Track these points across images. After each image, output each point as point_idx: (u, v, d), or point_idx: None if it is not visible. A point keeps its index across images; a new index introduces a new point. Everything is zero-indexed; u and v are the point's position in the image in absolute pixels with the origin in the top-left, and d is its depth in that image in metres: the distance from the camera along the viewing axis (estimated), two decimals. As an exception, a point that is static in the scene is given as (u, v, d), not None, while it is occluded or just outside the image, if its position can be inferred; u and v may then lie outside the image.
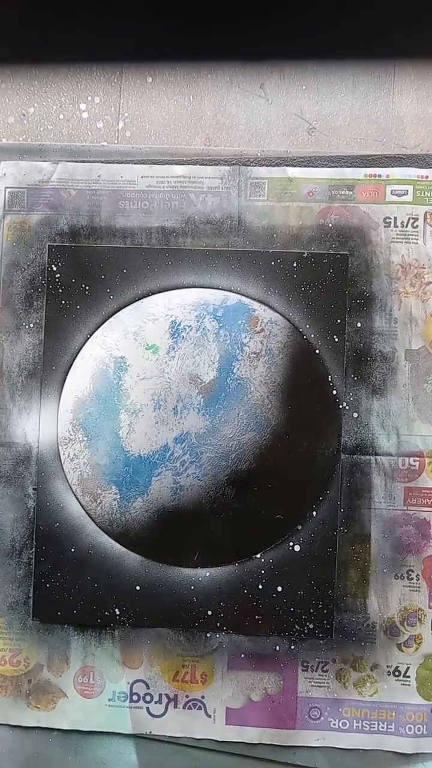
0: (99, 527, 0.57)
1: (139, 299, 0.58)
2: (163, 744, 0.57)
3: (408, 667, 0.56)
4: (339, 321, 0.57)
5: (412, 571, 0.56)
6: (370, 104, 0.59)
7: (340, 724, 0.56)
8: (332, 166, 0.57)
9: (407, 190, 0.57)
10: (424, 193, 0.57)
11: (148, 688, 0.57)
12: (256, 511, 0.56)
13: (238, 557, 0.56)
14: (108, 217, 0.58)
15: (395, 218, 0.57)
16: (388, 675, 0.56)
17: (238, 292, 0.57)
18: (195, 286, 0.57)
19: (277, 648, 0.56)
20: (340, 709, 0.56)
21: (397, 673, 0.56)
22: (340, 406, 0.57)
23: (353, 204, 0.57)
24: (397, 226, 0.57)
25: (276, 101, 0.59)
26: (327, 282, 0.57)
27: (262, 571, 0.56)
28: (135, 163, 0.58)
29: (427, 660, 0.56)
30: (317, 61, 0.59)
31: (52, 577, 0.57)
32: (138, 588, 0.56)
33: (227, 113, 0.59)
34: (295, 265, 0.57)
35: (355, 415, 0.57)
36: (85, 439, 0.57)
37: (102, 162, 0.58)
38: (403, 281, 0.57)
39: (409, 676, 0.56)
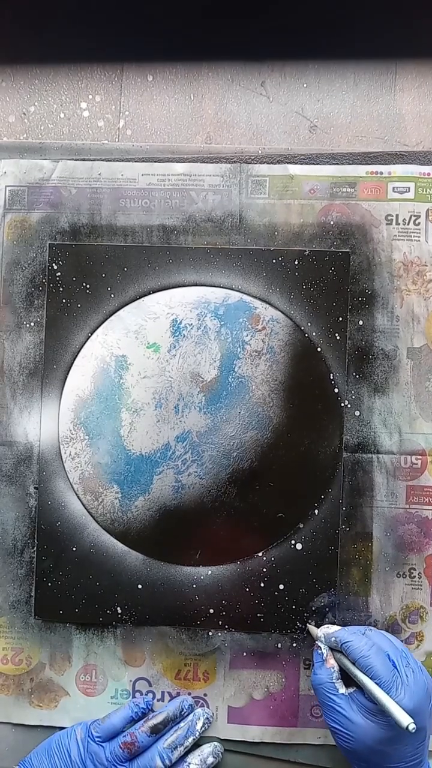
0: (100, 526, 0.57)
1: (140, 297, 0.58)
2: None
3: (410, 666, 0.56)
4: (341, 319, 0.57)
5: (414, 569, 0.56)
6: (372, 102, 0.59)
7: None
8: (334, 164, 0.57)
9: (409, 188, 0.57)
10: (426, 191, 0.57)
11: (150, 686, 0.57)
12: (257, 509, 0.56)
13: (240, 555, 0.56)
14: (109, 215, 0.58)
15: (397, 215, 0.57)
16: (391, 673, 0.56)
17: (239, 290, 0.57)
18: (196, 285, 0.57)
19: (279, 646, 0.56)
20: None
21: (399, 672, 0.56)
22: (342, 404, 0.56)
23: (355, 201, 0.57)
24: (399, 224, 0.57)
25: (277, 99, 0.59)
26: (328, 280, 0.57)
27: (264, 570, 0.56)
28: (136, 161, 0.58)
29: (429, 657, 0.56)
30: (318, 59, 0.59)
31: (54, 575, 0.57)
32: (140, 586, 0.56)
33: (228, 111, 0.59)
34: (296, 263, 0.57)
35: (357, 413, 0.56)
36: (87, 437, 0.57)
37: (103, 160, 0.58)
38: (404, 279, 0.56)
39: (411, 675, 0.56)
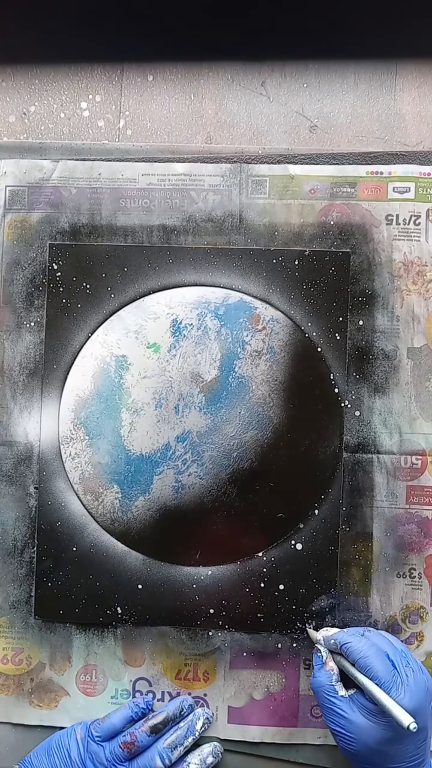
0: (100, 526, 0.57)
1: (140, 297, 0.58)
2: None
3: (410, 666, 0.56)
4: (341, 319, 0.57)
5: (414, 570, 0.56)
6: (372, 102, 0.59)
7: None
8: (334, 164, 0.57)
9: (409, 188, 0.57)
10: (426, 191, 0.57)
11: (150, 686, 0.57)
12: (257, 509, 0.56)
13: (240, 555, 0.56)
14: (109, 215, 0.58)
15: (397, 215, 0.57)
16: (391, 673, 0.56)
17: (239, 290, 0.57)
18: (196, 285, 0.57)
19: (279, 646, 0.56)
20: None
21: (399, 672, 0.56)
22: (342, 405, 0.56)
23: (355, 201, 0.57)
24: (399, 224, 0.57)
25: (277, 99, 0.59)
26: (329, 280, 0.57)
27: (264, 570, 0.56)
28: (136, 161, 0.58)
29: (429, 657, 0.56)
30: (318, 59, 0.59)
31: (54, 575, 0.57)
32: (140, 587, 0.56)
33: (228, 111, 0.59)
34: (296, 263, 0.57)
35: (357, 413, 0.56)
36: (87, 437, 0.57)
37: (103, 160, 0.58)
38: (405, 279, 0.56)
39: (411, 675, 0.56)
